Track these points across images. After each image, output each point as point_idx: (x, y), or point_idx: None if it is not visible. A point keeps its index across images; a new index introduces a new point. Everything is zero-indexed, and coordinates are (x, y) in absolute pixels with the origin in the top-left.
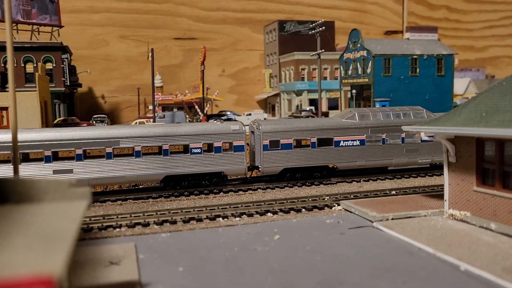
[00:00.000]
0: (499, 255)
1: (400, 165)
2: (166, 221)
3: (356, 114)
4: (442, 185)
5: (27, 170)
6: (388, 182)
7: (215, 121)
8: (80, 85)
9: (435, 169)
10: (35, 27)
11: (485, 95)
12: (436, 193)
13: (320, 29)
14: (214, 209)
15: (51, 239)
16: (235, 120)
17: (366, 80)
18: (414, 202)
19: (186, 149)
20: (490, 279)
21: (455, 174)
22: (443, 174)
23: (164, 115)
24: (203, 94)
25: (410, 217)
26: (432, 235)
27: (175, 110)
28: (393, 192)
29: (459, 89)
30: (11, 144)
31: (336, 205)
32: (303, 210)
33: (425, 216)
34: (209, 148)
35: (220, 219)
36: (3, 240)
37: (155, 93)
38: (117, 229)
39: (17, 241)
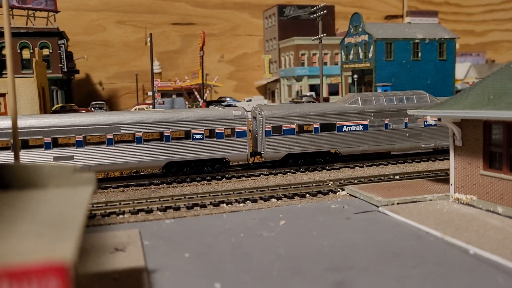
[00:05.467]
0: (508, 238)
1: (403, 150)
2: (169, 207)
3: (359, 99)
4: (446, 169)
5: (27, 157)
6: (391, 167)
7: (216, 107)
8: (78, 72)
9: (438, 153)
10: (30, 12)
11: (492, 78)
12: (441, 178)
13: (321, 13)
14: (217, 195)
15: (60, 226)
16: (235, 106)
17: (368, 64)
18: (419, 187)
19: (187, 135)
20: (500, 262)
21: (462, 158)
22: (446, 159)
23: (163, 101)
24: (202, 80)
25: (416, 201)
26: (439, 219)
27: (174, 96)
28: (397, 177)
29: (459, 74)
30: (10, 130)
31: (341, 190)
32: (307, 195)
33: (430, 200)
34: (211, 134)
35: (224, 205)
36: (11, 227)
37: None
38: (120, 216)
39: (25, 227)
